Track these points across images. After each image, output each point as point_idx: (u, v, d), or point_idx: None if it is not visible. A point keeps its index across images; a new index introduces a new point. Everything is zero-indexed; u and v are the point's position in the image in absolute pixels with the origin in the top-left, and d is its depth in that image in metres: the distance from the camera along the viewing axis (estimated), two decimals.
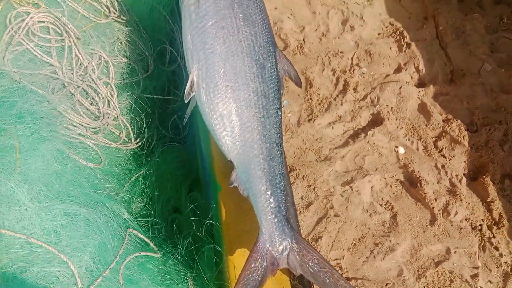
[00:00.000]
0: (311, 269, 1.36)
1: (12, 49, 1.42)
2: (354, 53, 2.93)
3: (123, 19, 1.85)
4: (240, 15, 1.44)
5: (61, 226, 1.16)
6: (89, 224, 1.23)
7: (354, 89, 2.80)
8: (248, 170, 1.33)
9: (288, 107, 2.80)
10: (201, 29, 1.41)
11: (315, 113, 2.74)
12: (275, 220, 1.30)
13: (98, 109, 1.56)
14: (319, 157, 2.61)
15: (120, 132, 1.69)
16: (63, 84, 1.49)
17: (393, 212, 2.38)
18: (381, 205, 2.43)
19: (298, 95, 2.82)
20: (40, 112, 1.30)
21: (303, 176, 2.51)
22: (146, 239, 1.37)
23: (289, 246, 1.36)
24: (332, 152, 2.60)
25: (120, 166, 1.64)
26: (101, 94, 1.57)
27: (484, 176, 2.46)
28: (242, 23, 1.42)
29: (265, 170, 1.33)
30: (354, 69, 2.85)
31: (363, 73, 2.86)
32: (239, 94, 1.36)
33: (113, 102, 1.63)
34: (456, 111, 2.67)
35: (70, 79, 1.50)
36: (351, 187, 2.46)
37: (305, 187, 2.48)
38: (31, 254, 1.08)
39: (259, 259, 1.33)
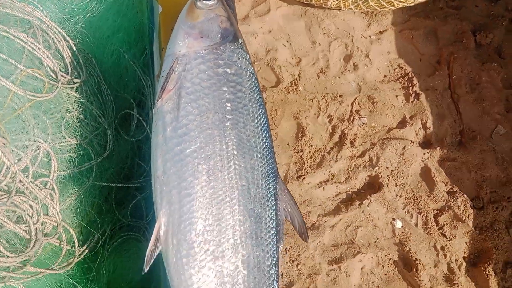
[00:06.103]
0: None
1: None
2: (355, 98, 2.56)
3: (77, 81, 1.39)
4: (234, 140, 1.02)
5: None
6: None
7: (352, 143, 2.46)
8: None
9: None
10: (177, 155, 1.00)
11: (305, 169, 2.39)
12: None
13: (28, 227, 1.15)
14: (306, 224, 2.26)
15: (60, 242, 1.29)
16: None
17: None
18: None
19: (288, 144, 2.45)
20: None
21: (286, 249, 2.19)
22: None
23: None
24: (321, 220, 2.30)
25: None
26: (33, 205, 1.15)
27: (486, 265, 2.21)
28: (235, 152, 1.01)
29: None
30: (353, 119, 2.49)
31: (363, 123, 2.51)
32: (223, 265, 0.97)
33: (53, 207, 1.22)
34: (463, 182, 2.40)
35: None
36: (339, 267, 2.16)
37: (287, 262, 2.18)
38: None
39: None
